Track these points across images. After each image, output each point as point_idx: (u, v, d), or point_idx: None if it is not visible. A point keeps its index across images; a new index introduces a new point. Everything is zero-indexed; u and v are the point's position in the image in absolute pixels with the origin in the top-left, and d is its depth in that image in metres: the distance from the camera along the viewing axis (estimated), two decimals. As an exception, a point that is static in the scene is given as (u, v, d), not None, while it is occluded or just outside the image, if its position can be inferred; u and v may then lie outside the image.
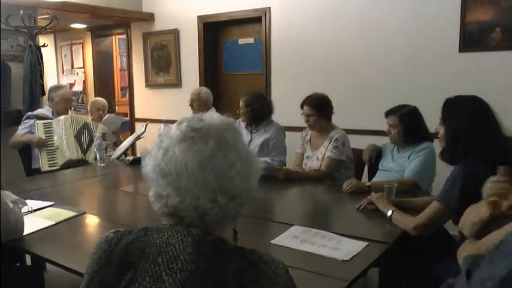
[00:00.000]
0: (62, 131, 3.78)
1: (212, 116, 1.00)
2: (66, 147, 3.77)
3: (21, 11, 4.32)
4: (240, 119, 3.59)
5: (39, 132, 3.74)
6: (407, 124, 2.79)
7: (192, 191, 0.92)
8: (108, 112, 4.71)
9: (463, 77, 3.68)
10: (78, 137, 3.85)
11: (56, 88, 4.04)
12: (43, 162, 3.71)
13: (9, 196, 1.96)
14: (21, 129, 3.82)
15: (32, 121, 3.80)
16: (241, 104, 3.51)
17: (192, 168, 0.91)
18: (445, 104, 2.05)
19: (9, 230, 1.86)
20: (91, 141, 3.91)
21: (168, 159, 0.94)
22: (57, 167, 3.69)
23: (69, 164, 3.72)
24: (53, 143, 3.76)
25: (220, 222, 0.96)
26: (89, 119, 4.30)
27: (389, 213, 2.13)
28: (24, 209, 2.23)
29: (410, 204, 2.31)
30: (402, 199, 2.34)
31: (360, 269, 1.62)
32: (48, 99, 4.06)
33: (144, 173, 0.99)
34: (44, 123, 3.78)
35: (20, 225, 1.92)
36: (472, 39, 3.65)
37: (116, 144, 4.45)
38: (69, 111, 4.16)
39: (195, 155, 0.92)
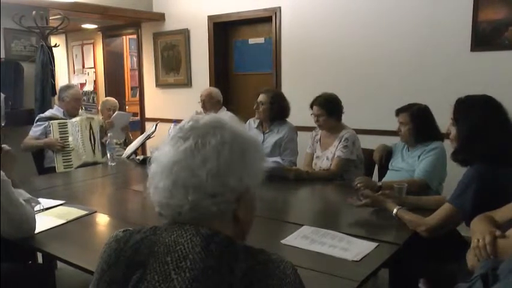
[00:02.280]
0: (78, 133, 3.79)
1: (211, 115, 1.01)
2: (82, 150, 3.78)
3: (34, 12, 4.37)
4: (254, 118, 3.56)
5: (54, 133, 3.75)
6: (419, 121, 2.76)
7: (165, 190, 0.94)
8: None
9: (475, 77, 3.65)
10: (90, 138, 3.86)
11: (66, 88, 4.05)
12: (58, 164, 3.72)
13: (22, 194, 1.98)
14: (35, 132, 3.83)
15: (45, 123, 3.81)
16: (263, 99, 3.43)
17: (183, 169, 0.93)
18: (458, 104, 2.02)
19: (22, 229, 1.88)
20: (94, 139, 3.91)
21: (155, 162, 0.97)
22: (72, 169, 3.70)
23: (84, 166, 3.73)
24: (68, 144, 3.77)
25: (220, 222, 0.96)
26: (97, 118, 4.32)
27: (395, 210, 2.10)
28: (36, 208, 2.25)
29: (420, 202, 2.29)
30: (412, 196, 2.32)
31: (370, 269, 1.61)
32: (58, 99, 4.07)
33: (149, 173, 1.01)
34: (59, 123, 3.79)
35: (32, 224, 1.93)
36: (484, 38, 3.61)
37: (126, 142, 4.47)
38: (80, 110, 4.18)
39: (172, 155, 0.95)
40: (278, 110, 3.44)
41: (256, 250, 0.94)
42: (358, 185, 2.58)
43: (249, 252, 0.93)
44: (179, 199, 0.93)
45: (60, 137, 3.76)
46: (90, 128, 3.90)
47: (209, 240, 0.91)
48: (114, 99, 4.81)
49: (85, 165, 3.73)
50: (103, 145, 3.91)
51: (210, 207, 0.94)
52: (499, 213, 1.66)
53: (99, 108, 4.75)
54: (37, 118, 3.92)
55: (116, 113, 4.42)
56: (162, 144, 1.00)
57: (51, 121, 3.79)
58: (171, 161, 0.94)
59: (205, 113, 4.16)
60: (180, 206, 0.94)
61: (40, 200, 2.41)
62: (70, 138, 3.79)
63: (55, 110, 4.02)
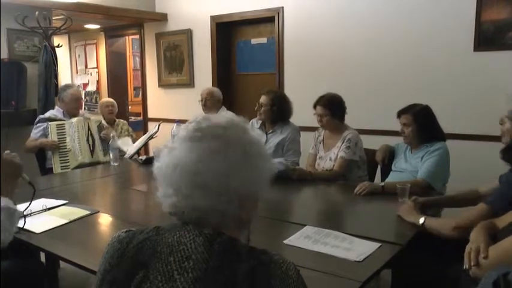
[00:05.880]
0: (74, 133, 3.78)
1: (220, 115, 1.01)
2: (78, 150, 3.77)
3: (37, 12, 4.38)
4: (256, 118, 3.56)
5: (52, 134, 3.75)
6: (421, 121, 2.76)
7: (188, 191, 0.93)
8: (119, 111, 4.75)
9: (478, 77, 3.63)
10: (87, 139, 3.86)
11: (65, 88, 4.03)
12: (55, 165, 3.72)
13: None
14: (35, 133, 3.83)
15: (44, 124, 3.80)
16: (264, 101, 3.41)
17: (189, 168, 0.92)
18: None
19: None
20: (93, 139, 3.89)
21: (171, 159, 0.95)
22: (69, 169, 3.69)
23: (81, 167, 3.73)
24: (66, 145, 3.77)
25: (223, 222, 0.96)
26: (100, 118, 4.33)
27: (421, 220, 2.02)
28: (38, 208, 2.26)
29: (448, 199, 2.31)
30: (443, 196, 2.32)
31: (372, 270, 1.61)
32: (58, 100, 4.06)
33: (154, 172, 1.00)
34: (56, 125, 3.79)
35: None
36: (487, 38, 3.59)
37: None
38: (81, 110, 4.17)
39: (195, 155, 0.93)
40: (278, 112, 3.42)
41: (259, 251, 0.94)
42: (362, 193, 2.58)
43: (252, 252, 0.93)
44: (203, 201, 0.93)
45: (58, 138, 3.75)
46: (89, 128, 3.89)
47: (212, 240, 0.91)
48: (108, 98, 4.85)
49: (83, 165, 3.73)
50: (103, 142, 3.91)
51: (233, 210, 0.94)
52: (502, 219, 1.66)
53: (99, 111, 4.75)
54: (37, 120, 3.91)
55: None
56: (173, 141, 0.99)
57: (50, 123, 3.79)
58: (195, 161, 0.93)
59: (206, 112, 4.19)
60: (185, 206, 0.94)
61: (43, 200, 2.43)
62: (68, 139, 3.78)
63: (55, 111, 4.01)
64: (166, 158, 0.97)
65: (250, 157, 0.97)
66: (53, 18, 4.89)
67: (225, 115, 1.02)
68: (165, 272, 0.88)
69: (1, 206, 1.66)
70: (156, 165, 0.99)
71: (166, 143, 1.00)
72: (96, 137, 3.91)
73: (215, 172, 0.92)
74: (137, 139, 4.30)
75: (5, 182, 1.73)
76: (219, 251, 0.90)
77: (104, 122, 4.23)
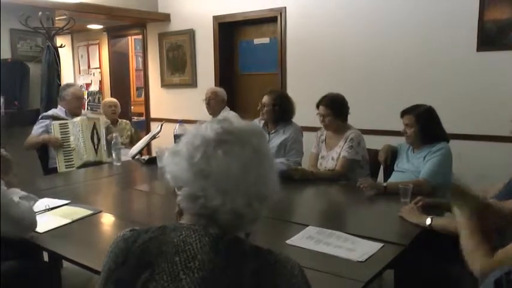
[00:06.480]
0: (79, 133, 3.78)
1: (238, 120, 1.02)
2: (83, 149, 3.78)
3: (40, 13, 4.39)
4: (259, 118, 3.55)
5: (56, 133, 3.75)
6: (424, 123, 2.75)
7: (233, 194, 0.93)
8: (122, 111, 4.76)
9: (481, 77, 3.63)
10: (92, 138, 3.87)
11: (66, 87, 4.03)
12: (60, 164, 3.72)
13: (17, 193, 1.94)
14: (36, 129, 3.83)
15: (47, 121, 3.80)
16: (267, 101, 3.40)
17: (235, 172, 0.93)
18: None
19: (21, 226, 1.83)
20: (99, 139, 3.90)
21: (207, 160, 0.93)
22: (74, 168, 3.70)
23: (86, 166, 3.73)
24: (69, 144, 3.77)
25: (252, 225, 0.99)
26: (103, 118, 4.33)
27: (428, 221, 2.00)
28: (41, 207, 2.27)
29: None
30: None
31: (375, 270, 1.61)
32: (60, 99, 4.05)
33: (168, 171, 0.99)
34: (60, 124, 3.79)
35: (31, 219, 1.88)
36: (490, 38, 3.59)
37: (132, 141, 4.47)
38: (84, 110, 4.17)
39: (237, 158, 0.93)
40: (281, 112, 3.41)
41: (265, 250, 0.94)
42: (362, 186, 2.57)
43: (258, 252, 0.93)
44: (244, 205, 0.94)
45: (62, 138, 3.75)
46: (94, 128, 3.89)
47: (218, 240, 0.92)
48: (111, 98, 4.87)
49: (87, 164, 3.73)
50: (109, 145, 3.92)
51: (262, 213, 0.98)
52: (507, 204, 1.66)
53: (101, 110, 4.76)
54: (40, 116, 3.91)
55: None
56: (197, 140, 0.96)
57: (53, 121, 3.78)
58: (238, 165, 0.93)
59: (209, 112, 4.19)
60: (244, 213, 0.95)
61: (45, 199, 2.44)
62: (71, 138, 3.77)
63: (58, 110, 3.99)
64: (199, 159, 0.94)
65: (271, 160, 1.01)
66: (56, 18, 4.90)
67: (239, 119, 1.03)
68: (171, 272, 0.88)
69: (22, 194, 1.95)
70: (176, 164, 0.97)
71: (185, 142, 0.98)
72: (103, 137, 3.91)
73: (256, 178, 0.95)
74: (140, 139, 4.31)
75: (8, 175, 1.95)
76: (225, 251, 0.90)
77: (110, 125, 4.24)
